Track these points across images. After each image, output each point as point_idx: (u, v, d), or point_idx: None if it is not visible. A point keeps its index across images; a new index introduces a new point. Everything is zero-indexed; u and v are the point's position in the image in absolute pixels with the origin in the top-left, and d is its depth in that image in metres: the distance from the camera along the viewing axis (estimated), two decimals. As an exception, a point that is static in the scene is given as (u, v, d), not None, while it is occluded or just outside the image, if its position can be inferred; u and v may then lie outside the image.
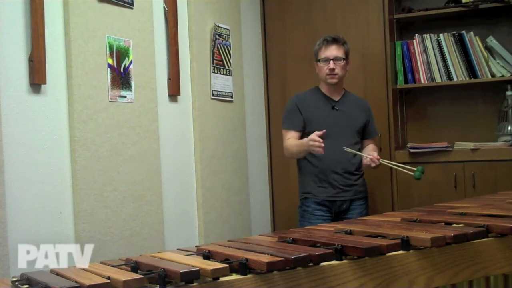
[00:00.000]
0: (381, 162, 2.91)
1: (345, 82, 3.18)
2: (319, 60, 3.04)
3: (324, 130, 2.78)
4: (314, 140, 2.76)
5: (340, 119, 3.04)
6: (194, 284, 1.32)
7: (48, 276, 1.37)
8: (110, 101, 2.55)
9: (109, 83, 2.55)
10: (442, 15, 3.73)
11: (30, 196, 2.18)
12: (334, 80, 3.02)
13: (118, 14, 2.62)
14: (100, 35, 2.51)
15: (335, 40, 3.03)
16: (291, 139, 3.04)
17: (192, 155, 3.17)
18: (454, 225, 1.83)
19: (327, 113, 3.05)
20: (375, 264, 1.52)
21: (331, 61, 2.99)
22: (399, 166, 2.92)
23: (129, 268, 1.45)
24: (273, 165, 3.95)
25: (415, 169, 2.81)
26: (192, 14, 3.17)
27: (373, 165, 2.89)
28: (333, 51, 3.00)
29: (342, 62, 3.01)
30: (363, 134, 3.14)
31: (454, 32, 3.63)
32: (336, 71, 3.00)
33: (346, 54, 3.05)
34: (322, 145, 2.74)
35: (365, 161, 2.91)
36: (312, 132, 2.85)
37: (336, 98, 3.08)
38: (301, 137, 3.01)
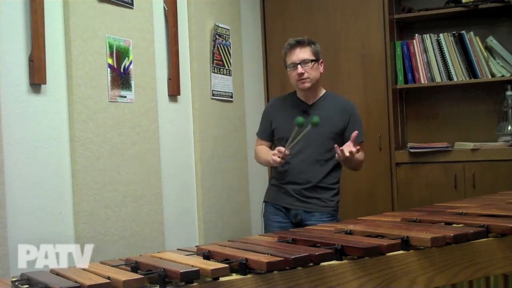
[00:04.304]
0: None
1: (345, 82, 3.17)
2: (287, 67, 2.81)
3: (288, 152, 2.64)
4: (278, 151, 2.64)
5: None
6: (194, 284, 1.32)
7: (48, 276, 1.37)
8: (110, 101, 2.55)
9: (109, 83, 2.55)
10: (442, 15, 3.73)
11: (30, 196, 2.18)
12: (306, 85, 2.79)
13: (118, 14, 2.62)
14: (100, 35, 2.51)
15: (298, 43, 2.78)
16: (262, 146, 2.95)
17: (192, 155, 3.17)
18: (454, 225, 1.83)
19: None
20: (375, 264, 1.52)
21: (299, 66, 2.74)
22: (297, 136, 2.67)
23: (129, 268, 1.45)
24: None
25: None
26: (192, 14, 3.17)
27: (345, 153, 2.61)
28: (298, 54, 2.76)
29: (310, 64, 2.76)
30: (344, 140, 2.77)
31: (454, 32, 3.63)
32: (306, 75, 2.75)
33: (315, 54, 2.79)
34: (279, 160, 2.63)
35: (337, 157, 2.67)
36: (281, 139, 2.79)
37: (310, 102, 2.85)
38: (272, 144, 2.93)
